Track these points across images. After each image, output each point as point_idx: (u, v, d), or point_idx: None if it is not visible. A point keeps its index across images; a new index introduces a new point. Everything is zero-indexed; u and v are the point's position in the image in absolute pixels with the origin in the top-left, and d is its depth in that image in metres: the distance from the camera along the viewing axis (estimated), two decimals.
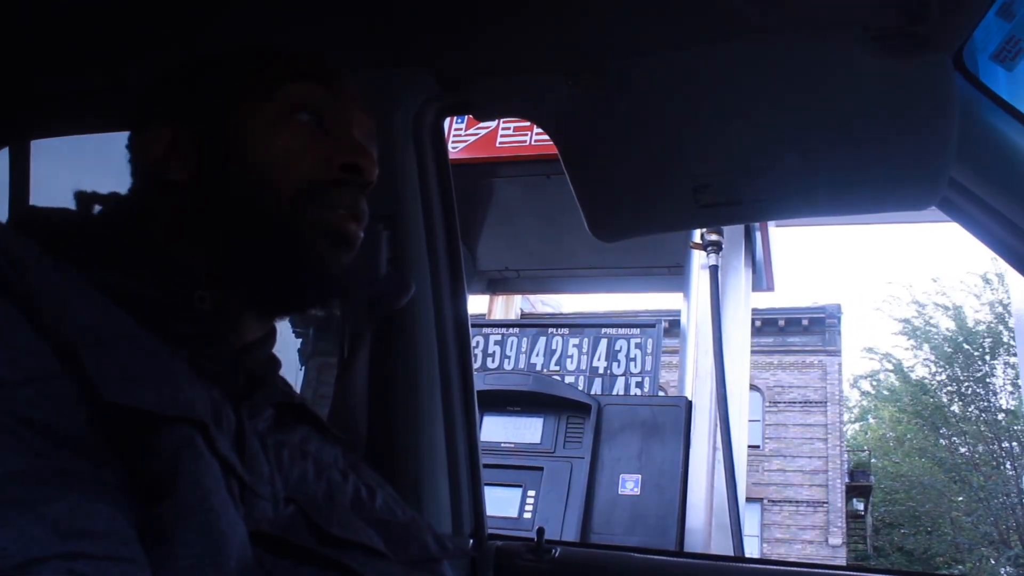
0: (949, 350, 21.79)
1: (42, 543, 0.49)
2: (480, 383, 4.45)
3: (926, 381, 22.90)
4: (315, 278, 0.84)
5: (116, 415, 0.58)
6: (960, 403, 22.09)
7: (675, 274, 5.97)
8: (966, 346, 21.49)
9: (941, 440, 22.62)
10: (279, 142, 0.83)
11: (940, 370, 22.35)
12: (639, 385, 5.14)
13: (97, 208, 0.87)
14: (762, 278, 6.23)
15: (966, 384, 21.79)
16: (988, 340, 21.28)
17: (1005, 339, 20.40)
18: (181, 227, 0.83)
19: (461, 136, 5.27)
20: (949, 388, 22.28)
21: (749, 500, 14.32)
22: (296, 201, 0.82)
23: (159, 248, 0.82)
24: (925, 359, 22.71)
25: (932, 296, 22.51)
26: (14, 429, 0.53)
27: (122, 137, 0.90)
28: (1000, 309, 20.55)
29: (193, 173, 0.83)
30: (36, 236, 0.69)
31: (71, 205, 0.86)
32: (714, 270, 4.80)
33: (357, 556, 0.76)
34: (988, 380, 21.53)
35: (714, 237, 4.87)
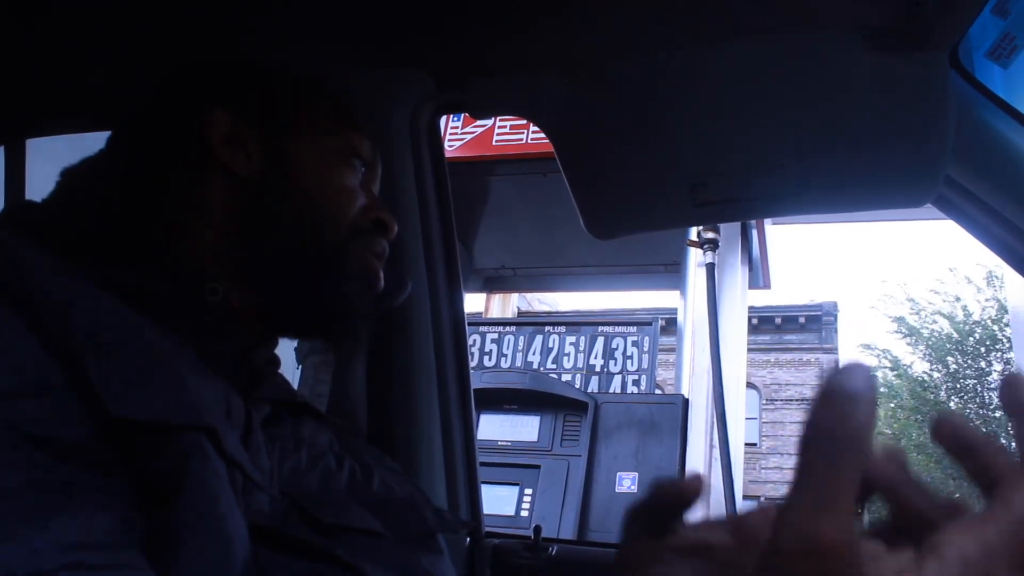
0: (947, 346, 21.81)
1: (45, 556, 0.49)
2: (477, 381, 4.45)
3: (924, 377, 22.94)
4: (336, 312, 0.88)
5: (121, 424, 0.58)
6: (958, 400, 22.11)
7: (672, 272, 5.97)
8: (967, 341, 21.52)
9: None
10: (343, 178, 0.90)
11: (938, 366, 22.38)
12: (636, 383, 5.15)
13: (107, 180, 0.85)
14: (759, 276, 6.23)
15: (963, 381, 21.82)
16: (986, 337, 21.31)
17: (1003, 336, 20.43)
18: (222, 217, 0.83)
19: (457, 134, 5.27)
20: (947, 384, 22.30)
21: (746, 498, 14.30)
22: (349, 236, 0.88)
23: (173, 234, 0.81)
24: (923, 356, 22.74)
25: (929, 294, 22.57)
26: (15, 444, 0.53)
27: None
28: (999, 305, 20.57)
29: (260, 172, 0.85)
30: (38, 230, 0.69)
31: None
32: (711, 268, 4.80)
33: (355, 541, 0.76)
34: (986, 377, 21.55)
35: (711, 235, 4.88)
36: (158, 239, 0.81)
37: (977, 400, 21.91)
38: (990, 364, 21.74)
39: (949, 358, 22.21)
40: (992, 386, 21.55)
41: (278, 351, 0.93)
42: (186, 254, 0.80)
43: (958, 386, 22.27)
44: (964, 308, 22.19)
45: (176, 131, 0.86)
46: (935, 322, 22.60)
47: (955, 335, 22.07)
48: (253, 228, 0.83)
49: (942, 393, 22.65)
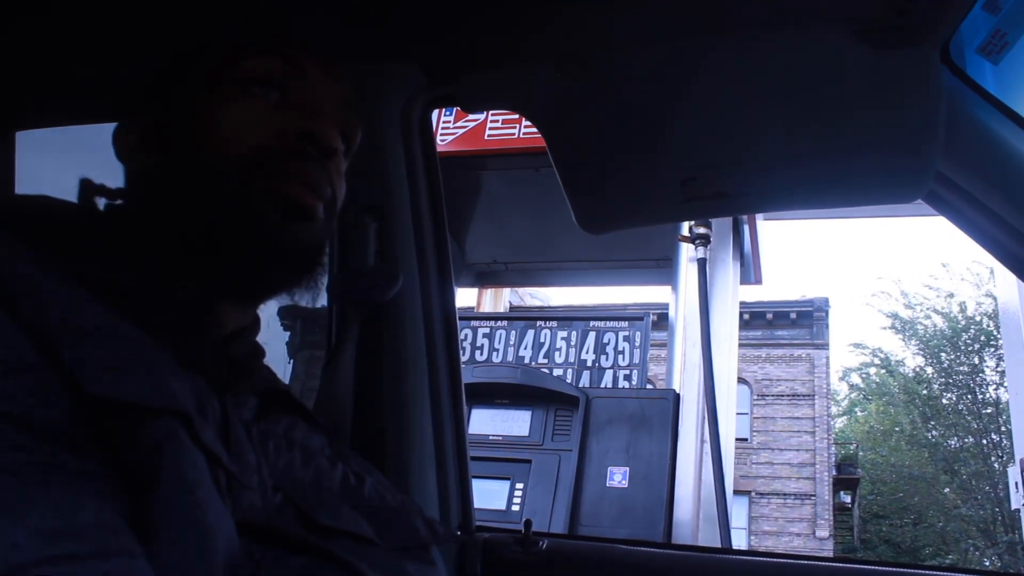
0: (941, 342, 21.90)
1: (25, 550, 0.48)
2: (468, 376, 4.45)
3: (916, 372, 23.03)
4: (272, 254, 0.81)
5: (98, 407, 0.57)
6: (950, 395, 22.21)
7: (663, 267, 5.98)
8: (960, 337, 21.61)
9: (930, 432, 22.77)
10: (229, 115, 0.82)
11: (932, 360, 22.47)
12: (627, 378, 5.15)
13: (84, 200, 0.86)
14: (750, 271, 6.25)
15: (956, 376, 21.91)
16: (981, 333, 21.40)
17: (996, 332, 20.52)
18: (153, 216, 0.81)
19: (450, 129, 5.26)
20: (940, 379, 22.40)
21: (737, 493, 14.36)
22: (244, 173, 0.79)
23: (139, 238, 0.80)
24: (916, 351, 22.84)
25: (925, 290, 22.65)
26: None
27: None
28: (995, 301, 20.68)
29: (157, 160, 0.83)
30: (14, 225, 0.68)
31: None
32: (702, 263, 4.82)
33: (346, 544, 0.76)
34: (978, 374, 21.65)
35: (702, 230, 4.89)
36: (135, 237, 0.81)
37: (969, 396, 22.03)
38: (983, 360, 21.84)
39: (942, 354, 22.32)
40: (985, 382, 21.63)
41: (268, 348, 0.92)
42: (156, 251, 0.80)
43: (951, 381, 22.37)
44: (961, 305, 22.27)
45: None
46: (928, 317, 22.69)
47: (949, 331, 22.17)
48: (174, 212, 0.81)
49: (935, 388, 22.76)
